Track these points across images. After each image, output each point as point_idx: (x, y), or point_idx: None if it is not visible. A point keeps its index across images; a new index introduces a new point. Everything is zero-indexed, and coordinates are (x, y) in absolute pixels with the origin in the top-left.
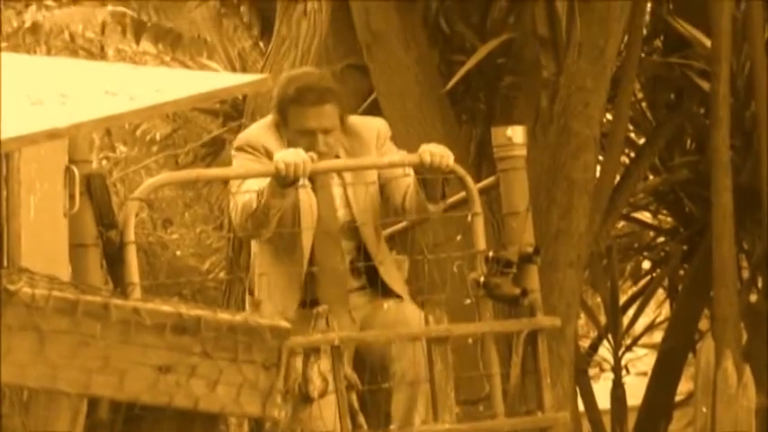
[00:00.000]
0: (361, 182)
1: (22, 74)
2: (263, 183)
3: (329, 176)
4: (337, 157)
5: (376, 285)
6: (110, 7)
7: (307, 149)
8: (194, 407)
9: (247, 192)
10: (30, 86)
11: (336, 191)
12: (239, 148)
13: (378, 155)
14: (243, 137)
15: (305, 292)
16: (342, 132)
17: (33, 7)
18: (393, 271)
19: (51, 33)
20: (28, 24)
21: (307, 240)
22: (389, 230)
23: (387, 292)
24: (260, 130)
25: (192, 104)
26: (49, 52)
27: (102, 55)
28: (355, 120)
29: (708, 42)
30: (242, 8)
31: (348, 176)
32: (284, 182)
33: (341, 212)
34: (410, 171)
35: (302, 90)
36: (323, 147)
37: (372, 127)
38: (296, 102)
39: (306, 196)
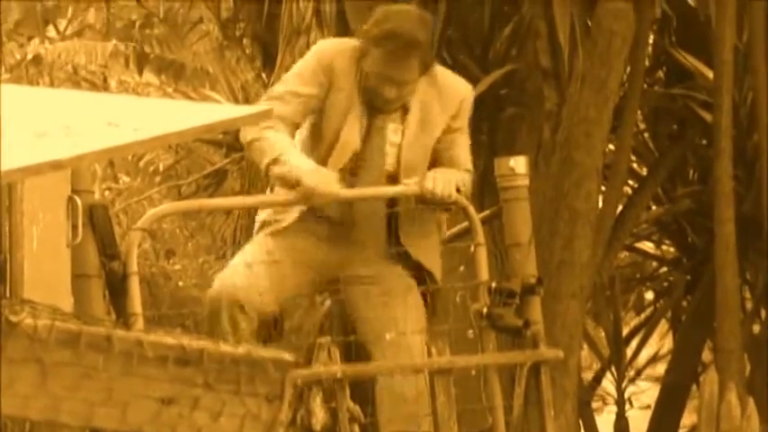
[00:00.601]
0: (420, 142)
1: (26, 106)
2: (289, 145)
3: (387, 119)
4: (405, 108)
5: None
6: (113, 41)
7: (375, 91)
8: None
9: (272, 134)
10: (33, 118)
11: (392, 137)
12: (314, 52)
13: (448, 123)
14: (322, 46)
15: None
16: (424, 82)
17: (36, 40)
18: (424, 246)
19: (54, 65)
20: (31, 56)
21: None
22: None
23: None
24: (340, 49)
25: (194, 136)
26: (52, 84)
27: (104, 86)
28: (445, 75)
29: (710, 74)
30: (244, 40)
31: (412, 128)
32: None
33: (389, 161)
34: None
35: (390, 36)
36: (391, 94)
37: (459, 91)
38: (380, 44)
39: (349, 136)
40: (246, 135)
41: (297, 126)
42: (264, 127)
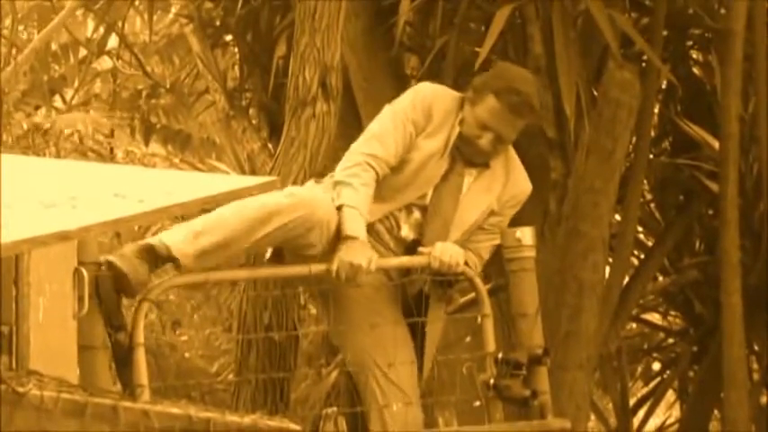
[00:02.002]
0: (480, 201)
1: (33, 176)
2: (363, 204)
3: (467, 170)
4: (473, 164)
5: None
6: (119, 111)
7: (472, 140)
8: None
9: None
10: (40, 189)
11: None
12: (415, 93)
13: (499, 206)
14: (423, 89)
15: None
16: (504, 155)
17: (43, 109)
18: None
19: (61, 135)
20: (46, 125)
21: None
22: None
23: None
24: (441, 94)
25: (200, 207)
26: (58, 154)
27: (111, 156)
28: (516, 160)
29: (716, 144)
30: (251, 110)
31: (483, 184)
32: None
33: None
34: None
35: (514, 92)
36: (488, 146)
37: (524, 184)
38: (501, 96)
39: (431, 174)
40: (340, 176)
41: (390, 167)
42: (361, 167)
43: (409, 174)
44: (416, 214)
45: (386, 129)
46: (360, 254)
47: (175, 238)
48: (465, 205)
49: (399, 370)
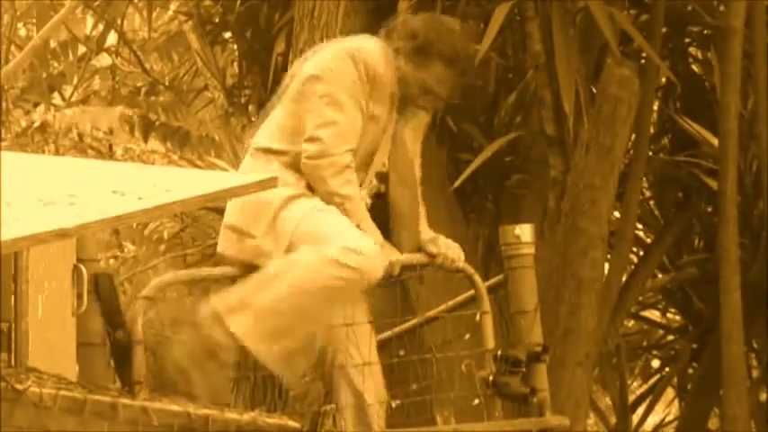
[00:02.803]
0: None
1: (32, 174)
2: (365, 211)
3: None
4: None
5: None
6: (119, 108)
7: (413, 100)
8: None
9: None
10: (39, 186)
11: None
12: (357, 62)
13: None
14: (365, 57)
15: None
16: None
17: (42, 107)
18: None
19: (60, 132)
20: (37, 124)
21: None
22: (397, 329)
23: None
24: (380, 57)
25: (200, 204)
26: (57, 151)
27: (110, 154)
28: None
29: (715, 141)
30: (250, 107)
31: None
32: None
33: None
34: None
35: (465, 59)
36: (426, 105)
37: None
38: (454, 67)
39: (383, 155)
40: (336, 188)
41: None
42: (349, 170)
43: (372, 142)
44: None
45: (349, 116)
46: (390, 255)
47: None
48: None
49: (357, 330)
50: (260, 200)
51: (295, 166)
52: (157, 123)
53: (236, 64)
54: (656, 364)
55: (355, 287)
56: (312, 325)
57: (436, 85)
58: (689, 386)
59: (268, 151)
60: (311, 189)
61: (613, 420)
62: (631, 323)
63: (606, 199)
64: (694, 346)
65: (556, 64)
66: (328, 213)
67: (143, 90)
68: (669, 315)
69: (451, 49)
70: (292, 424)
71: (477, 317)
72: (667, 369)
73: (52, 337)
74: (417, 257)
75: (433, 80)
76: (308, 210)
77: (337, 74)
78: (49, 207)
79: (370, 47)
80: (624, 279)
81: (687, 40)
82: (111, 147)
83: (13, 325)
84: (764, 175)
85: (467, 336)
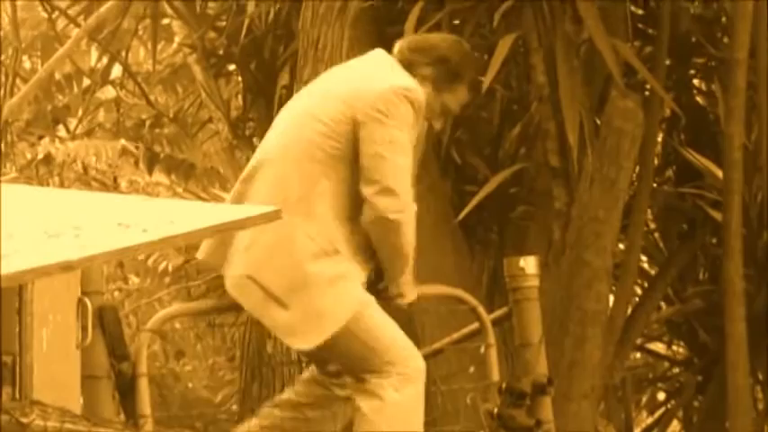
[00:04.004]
0: None
1: (37, 206)
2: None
3: None
4: None
5: None
6: (122, 141)
7: (431, 121)
8: None
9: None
10: (44, 219)
11: None
12: (411, 101)
13: None
14: (418, 99)
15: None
16: None
17: (46, 139)
18: None
19: (64, 165)
20: (41, 156)
21: None
22: None
23: None
24: (421, 92)
25: (204, 236)
26: (62, 183)
27: (114, 186)
28: None
29: (719, 173)
30: (254, 139)
31: None
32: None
33: None
34: None
35: (475, 75)
36: (438, 127)
37: None
38: (471, 84)
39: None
40: (411, 239)
41: None
42: (413, 206)
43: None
44: None
45: (410, 159)
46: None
47: None
48: None
49: None
50: (300, 267)
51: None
52: (162, 156)
53: (240, 96)
54: (661, 396)
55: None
56: None
57: (456, 106)
58: (694, 418)
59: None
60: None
61: None
62: (637, 355)
63: (610, 231)
64: (700, 378)
65: (560, 96)
66: (377, 313)
67: (147, 122)
68: (674, 347)
69: (472, 71)
70: None
71: (482, 349)
72: (673, 401)
73: (57, 369)
74: (436, 289)
75: (456, 102)
76: (358, 304)
77: (401, 118)
78: (53, 239)
79: (415, 86)
80: (629, 311)
81: (691, 71)
82: (115, 179)
83: (18, 358)
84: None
85: (471, 368)
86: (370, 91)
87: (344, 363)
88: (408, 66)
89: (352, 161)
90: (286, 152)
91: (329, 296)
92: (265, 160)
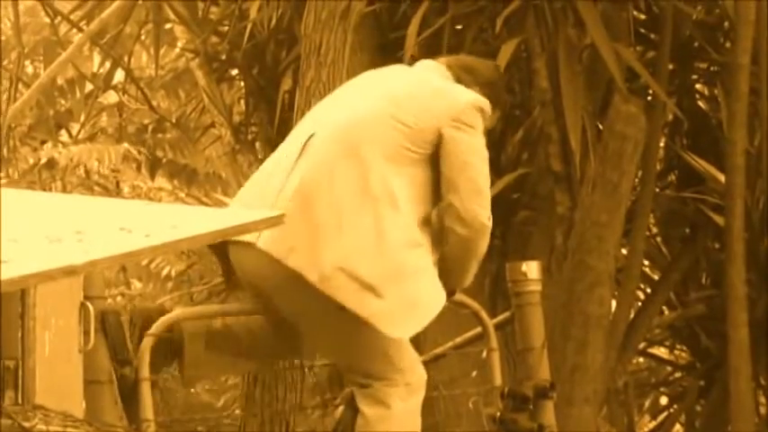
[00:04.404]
0: None
1: (39, 211)
2: None
3: None
4: None
5: None
6: (125, 144)
7: None
8: None
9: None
10: (47, 224)
11: None
12: (484, 116)
13: None
14: (487, 107)
15: None
16: None
17: (49, 144)
18: None
19: (67, 169)
20: (44, 161)
21: None
22: None
23: None
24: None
25: (207, 241)
26: (64, 188)
27: (117, 191)
28: None
29: (722, 177)
30: (257, 145)
31: None
32: None
33: None
34: None
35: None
36: None
37: None
38: (503, 105)
39: None
40: (489, 215)
41: None
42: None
43: None
44: None
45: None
46: None
47: None
48: None
49: None
50: (394, 256)
51: (425, 221)
52: (164, 161)
53: (242, 101)
54: (664, 401)
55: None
56: None
57: (489, 127)
58: (697, 423)
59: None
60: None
61: None
62: (639, 360)
63: (613, 236)
64: (702, 382)
65: (562, 100)
66: None
67: (150, 127)
68: (677, 352)
69: (504, 96)
70: None
71: (484, 354)
72: (675, 406)
73: (59, 374)
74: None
75: (490, 124)
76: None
77: (480, 130)
78: (56, 244)
79: (486, 101)
80: (631, 316)
81: (694, 76)
82: (118, 184)
83: (20, 362)
84: None
85: (474, 373)
86: (455, 102)
87: (357, 362)
88: (458, 83)
89: (429, 168)
90: (358, 148)
91: (423, 286)
92: (326, 152)
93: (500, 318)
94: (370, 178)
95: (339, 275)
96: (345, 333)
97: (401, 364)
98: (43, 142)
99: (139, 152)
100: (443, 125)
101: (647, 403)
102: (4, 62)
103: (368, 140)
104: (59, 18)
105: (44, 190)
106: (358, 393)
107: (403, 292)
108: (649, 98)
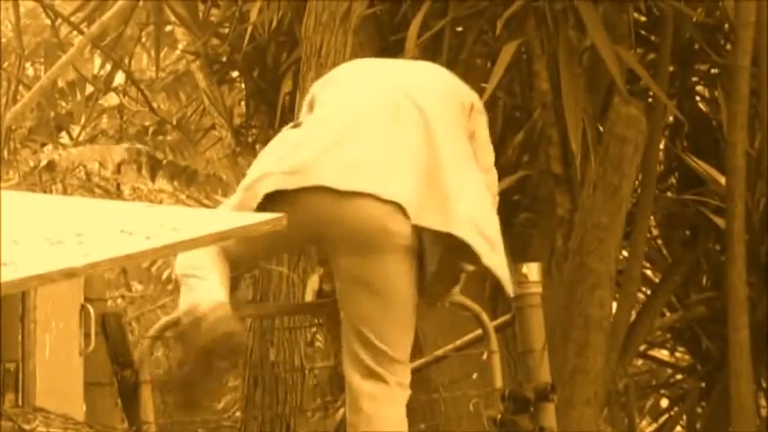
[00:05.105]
0: None
1: (40, 213)
2: None
3: None
4: None
5: None
6: (125, 145)
7: None
8: None
9: None
10: (47, 226)
11: None
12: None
13: None
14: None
15: None
16: None
17: (50, 146)
18: None
19: (67, 171)
20: (44, 163)
21: None
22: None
23: None
24: None
25: (208, 243)
26: (65, 190)
27: (117, 193)
28: None
29: (722, 179)
30: (257, 147)
31: None
32: None
33: None
34: None
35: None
36: None
37: None
38: None
39: None
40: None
41: None
42: None
43: None
44: None
45: None
46: None
47: None
48: None
49: None
50: (496, 219)
51: None
52: (165, 162)
53: (243, 103)
54: (664, 403)
55: None
56: None
57: None
58: (698, 425)
59: None
60: None
61: None
62: (640, 362)
63: (613, 238)
64: (703, 385)
65: (563, 103)
66: None
67: (150, 129)
68: (677, 354)
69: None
70: None
71: (485, 356)
72: (676, 408)
73: (59, 376)
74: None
75: None
76: None
77: (485, 124)
78: (56, 246)
79: None
80: (632, 318)
81: (694, 78)
82: (118, 186)
83: (21, 365)
84: None
85: (474, 375)
86: (470, 95)
87: (387, 332)
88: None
89: None
90: (432, 126)
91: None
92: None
93: (501, 320)
94: (458, 149)
95: (475, 235)
96: (401, 299)
97: (398, 355)
98: (44, 144)
99: (140, 154)
100: (473, 112)
101: (647, 405)
102: (5, 64)
103: (437, 110)
104: (60, 20)
105: (44, 192)
106: (359, 386)
107: (503, 255)
108: (650, 100)
